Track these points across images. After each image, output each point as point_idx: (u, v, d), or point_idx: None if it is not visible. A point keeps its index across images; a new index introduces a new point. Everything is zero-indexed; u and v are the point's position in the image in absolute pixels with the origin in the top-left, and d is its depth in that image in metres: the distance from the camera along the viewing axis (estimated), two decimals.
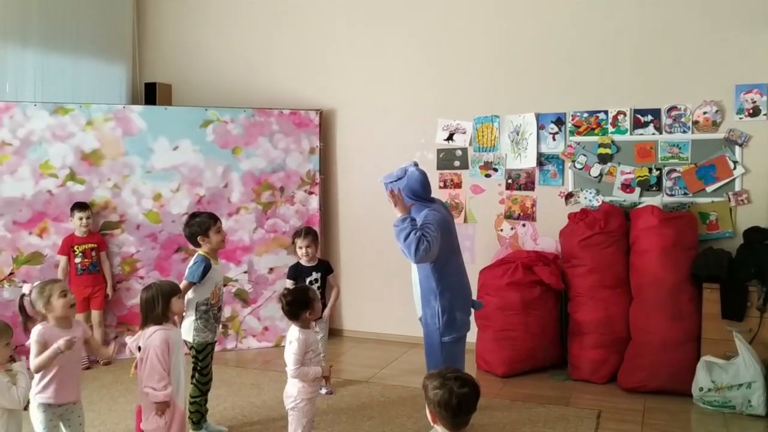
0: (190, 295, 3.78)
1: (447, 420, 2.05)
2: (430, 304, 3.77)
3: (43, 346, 2.97)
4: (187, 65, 6.60)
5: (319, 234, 5.96)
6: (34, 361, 2.96)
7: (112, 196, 5.43)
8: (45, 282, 3.15)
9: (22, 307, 3.08)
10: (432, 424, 2.11)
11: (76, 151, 5.34)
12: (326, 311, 4.64)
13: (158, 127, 5.53)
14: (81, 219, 5.17)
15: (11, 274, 5.19)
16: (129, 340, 3.23)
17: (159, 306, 3.14)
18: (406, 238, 3.53)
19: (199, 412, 3.88)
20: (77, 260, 5.22)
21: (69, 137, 5.32)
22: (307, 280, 4.65)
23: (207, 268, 3.79)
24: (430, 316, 3.79)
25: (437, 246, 3.57)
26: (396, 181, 3.82)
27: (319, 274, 4.70)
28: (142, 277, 5.47)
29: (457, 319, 3.80)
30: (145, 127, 5.50)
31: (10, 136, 5.17)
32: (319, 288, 4.62)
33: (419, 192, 3.83)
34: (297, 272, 4.69)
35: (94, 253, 5.25)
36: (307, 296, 3.34)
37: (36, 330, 3.01)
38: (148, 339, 3.10)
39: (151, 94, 6.31)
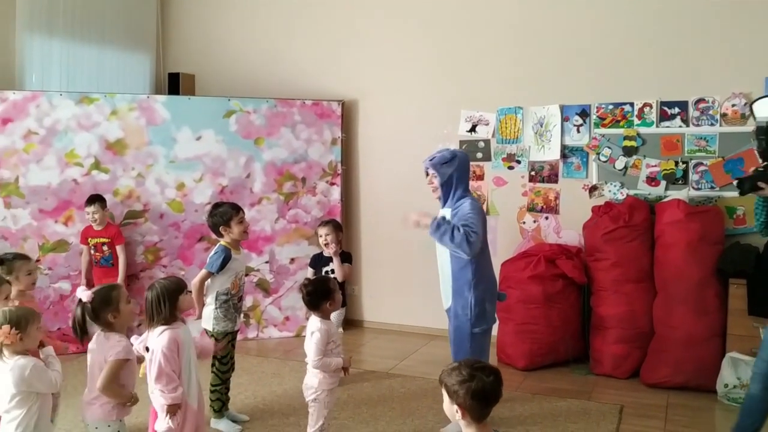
0: (209, 284, 3.81)
1: (477, 411, 2.02)
2: (464, 295, 3.74)
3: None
4: (210, 55, 6.62)
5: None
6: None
7: (135, 185, 5.47)
8: (108, 287, 2.99)
9: (82, 316, 2.87)
10: (456, 419, 2.07)
11: (100, 141, 5.38)
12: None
13: (182, 117, 5.56)
14: (89, 213, 5.16)
15: (37, 261, 5.26)
16: (135, 341, 3.09)
17: (165, 306, 2.99)
18: (452, 239, 3.57)
19: (220, 401, 3.91)
20: (92, 252, 5.27)
21: (94, 126, 5.37)
22: (324, 270, 4.67)
23: (227, 259, 3.80)
24: (461, 307, 3.76)
25: (483, 236, 3.62)
26: (446, 164, 3.74)
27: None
28: (165, 266, 5.52)
29: (487, 311, 3.80)
30: (169, 117, 5.53)
31: (37, 125, 5.23)
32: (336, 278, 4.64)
33: (466, 177, 3.83)
34: (316, 261, 4.75)
35: (105, 248, 5.22)
36: (328, 287, 3.34)
37: (121, 344, 2.86)
38: (156, 340, 2.97)
39: (175, 84, 6.35)
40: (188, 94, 6.23)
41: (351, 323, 6.20)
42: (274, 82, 6.31)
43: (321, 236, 4.73)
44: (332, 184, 5.98)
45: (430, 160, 3.78)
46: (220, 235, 3.92)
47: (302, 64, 6.29)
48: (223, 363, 3.91)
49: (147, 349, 3.02)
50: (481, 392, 2.01)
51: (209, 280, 3.83)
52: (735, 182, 3.45)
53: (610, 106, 5.20)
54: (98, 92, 5.54)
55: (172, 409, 2.97)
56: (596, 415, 4.12)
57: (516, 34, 5.51)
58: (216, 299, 3.82)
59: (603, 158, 5.22)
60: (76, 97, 5.36)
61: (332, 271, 4.68)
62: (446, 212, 3.77)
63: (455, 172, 3.75)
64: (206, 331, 3.84)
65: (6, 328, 2.64)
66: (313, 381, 3.28)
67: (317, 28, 6.25)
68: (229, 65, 6.54)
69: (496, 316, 3.97)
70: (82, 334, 2.88)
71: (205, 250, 5.34)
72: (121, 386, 2.88)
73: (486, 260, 3.83)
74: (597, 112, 5.25)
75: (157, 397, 2.96)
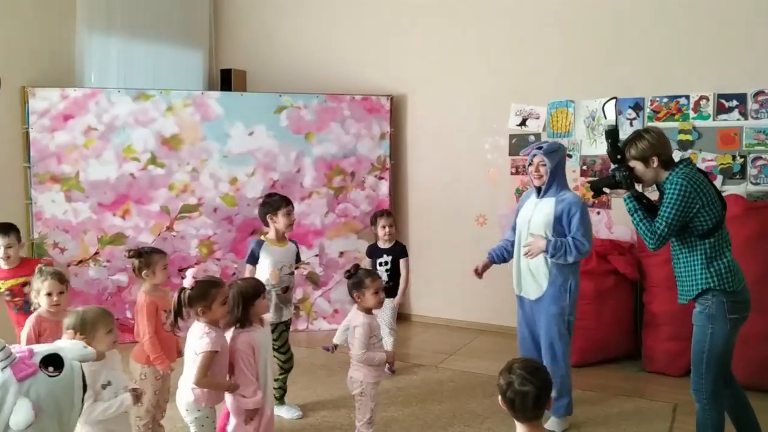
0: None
1: (515, 414, 2.08)
2: (563, 285, 3.71)
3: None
4: (261, 51, 6.72)
5: None
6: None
7: (190, 180, 5.60)
8: (210, 283, 2.98)
9: (179, 302, 2.90)
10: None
11: (156, 136, 5.53)
12: (397, 299, 4.71)
13: (234, 113, 5.67)
14: (1, 248, 3.96)
15: (96, 253, 5.45)
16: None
17: (238, 308, 2.95)
18: (577, 254, 3.63)
19: (282, 389, 4.06)
20: (7, 298, 3.97)
21: (150, 122, 5.52)
22: (378, 261, 4.71)
23: (254, 252, 3.92)
24: (559, 296, 3.72)
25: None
26: (554, 152, 3.69)
27: (390, 257, 4.75)
28: (218, 259, 5.65)
29: (576, 300, 3.84)
30: (222, 113, 5.65)
31: (96, 122, 5.40)
32: (387, 271, 4.68)
33: (564, 169, 3.84)
34: (372, 252, 4.84)
35: (27, 288, 3.74)
36: (362, 280, 3.29)
37: (209, 337, 2.84)
38: (232, 342, 2.92)
39: (227, 81, 6.46)
40: (240, 90, 6.34)
41: (399, 317, 6.19)
42: (323, 77, 6.37)
43: (384, 227, 4.76)
44: (381, 178, 6.01)
45: (538, 148, 3.72)
46: (267, 225, 4.01)
47: (351, 59, 6.33)
48: (282, 353, 4.01)
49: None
50: (512, 402, 2.07)
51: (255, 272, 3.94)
52: (589, 185, 3.54)
53: (665, 99, 5.10)
54: (154, 89, 5.69)
55: (251, 414, 2.90)
56: (649, 413, 4.07)
57: (567, 25, 5.44)
58: None
59: None
60: (133, 93, 5.51)
61: (385, 263, 4.73)
62: (548, 202, 3.72)
63: (561, 161, 3.76)
64: None
65: (71, 332, 2.59)
66: (357, 375, 3.29)
67: (366, 22, 6.28)
68: (279, 61, 6.63)
69: None
70: (176, 318, 2.91)
71: None
72: (215, 376, 2.87)
73: None
74: (651, 105, 5.15)
75: (237, 400, 2.87)
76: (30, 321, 3.16)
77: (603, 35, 5.31)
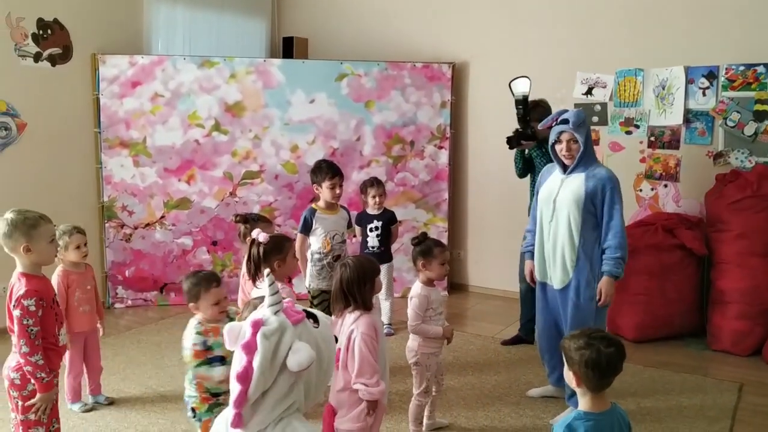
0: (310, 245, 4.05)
1: (592, 381, 1.99)
2: (590, 271, 3.40)
3: None
4: (323, 19, 6.70)
5: (448, 189, 6.00)
6: None
7: (252, 147, 5.68)
8: (283, 237, 3.11)
9: (258, 255, 2.96)
10: (574, 386, 2.06)
11: (220, 103, 5.61)
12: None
13: (296, 81, 5.69)
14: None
15: (162, 217, 5.61)
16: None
17: (365, 287, 2.64)
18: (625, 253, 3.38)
19: None
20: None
21: (214, 89, 5.60)
22: (368, 227, 4.76)
23: (307, 220, 3.99)
24: (586, 283, 3.40)
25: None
26: (581, 125, 3.36)
27: (380, 223, 4.78)
28: (279, 225, 5.72)
29: None
30: (284, 80, 5.68)
31: (162, 88, 5.51)
32: (378, 236, 4.75)
33: (592, 146, 3.52)
34: (361, 219, 4.81)
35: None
36: (430, 247, 3.23)
37: (284, 292, 2.71)
38: (353, 326, 2.61)
39: (289, 48, 6.48)
40: (301, 58, 6.36)
41: (456, 287, 6.23)
42: (385, 44, 6.32)
43: (374, 197, 4.77)
44: (440, 147, 5.96)
45: (563, 121, 3.34)
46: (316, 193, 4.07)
47: (413, 26, 6.26)
48: None
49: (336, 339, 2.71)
50: (595, 362, 1.97)
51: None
52: (506, 139, 4.29)
53: (741, 68, 4.86)
54: (218, 56, 5.76)
55: (373, 406, 2.57)
56: (713, 391, 3.96)
57: None
58: (311, 258, 4.03)
59: (731, 123, 4.90)
60: (198, 61, 5.59)
61: (375, 228, 4.76)
62: (577, 178, 3.39)
63: (588, 131, 3.43)
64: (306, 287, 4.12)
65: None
66: (413, 344, 3.27)
67: None
68: (340, 28, 6.60)
69: None
70: (255, 272, 2.97)
71: None
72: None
73: None
74: (726, 73, 4.91)
75: (361, 391, 2.55)
76: (57, 275, 3.41)
77: (676, 0, 5.07)
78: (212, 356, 2.66)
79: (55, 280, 3.36)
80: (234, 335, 1.59)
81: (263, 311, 1.61)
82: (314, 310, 1.72)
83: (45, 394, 2.53)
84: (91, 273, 3.66)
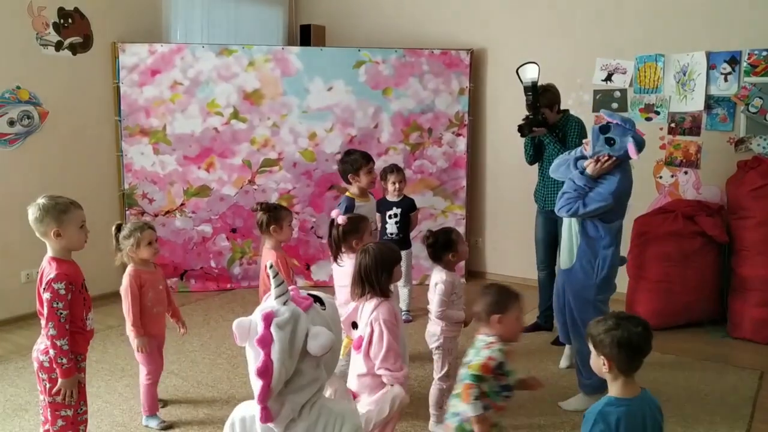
0: None
1: (624, 362, 1.98)
2: (592, 257, 3.38)
3: None
4: (340, 6, 6.69)
5: (466, 176, 5.99)
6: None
7: (271, 135, 5.70)
8: (359, 217, 3.37)
9: (338, 235, 3.28)
10: (602, 372, 2.03)
11: (239, 91, 5.63)
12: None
13: (313, 68, 5.70)
14: None
15: (182, 205, 5.66)
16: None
17: (383, 276, 2.65)
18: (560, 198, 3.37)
19: None
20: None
21: (233, 77, 5.62)
22: (387, 214, 4.77)
23: (349, 209, 3.93)
24: (585, 271, 3.40)
25: (592, 214, 3.32)
26: (621, 124, 3.35)
27: (399, 210, 4.79)
28: (297, 213, 5.76)
29: (611, 277, 3.46)
30: (302, 68, 5.69)
31: (181, 76, 5.54)
32: (397, 223, 4.76)
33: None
34: (381, 205, 4.77)
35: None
36: (450, 238, 3.27)
37: None
38: (373, 314, 2.62)
39: (306, 36, 6.49)
40: (319, 45, 6.36)
41: (474, 275, 6.23)
42: (402, 31, 6.30)
43: (394, 183, 4.77)
44: (458, 135, 5.95)
45: (610, 114, 3.40)
46: (348, 183, 4.04)
47: (431, 12, 6.23)
48: None
49: (354, 325, 2.72)
50: (627, 341, 1.97)
51: None
52: (517, 127, 4.22)
53: (764, 53, 4.79)
54: (236, 44, 5.77)
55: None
56: (734, 379, 3.95)
57: None
58: None
59: (753, 109, 4.85)
60: (216, 49, 5.61)
61: (395, 215, 4.77)
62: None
63: (629, 140, 3.32)
64: None
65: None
66: (435, 329, 3.30)
67: None
68: (358, 16, 6.59)
69: (615, 283, 3.60)
70: (337, 251, 3.29)
71: (335, 199, 5.51)
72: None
73: (620, 230, 3.47)
74: (749, 59, 4.85)
75: (385, 376, 2.56)
76: (128, 276, 3.26)
77: None
78: None
79: (126, 280, 3.25)
80: (244, 331, 1.59)
81: (271, 303, 1.61)
82: (318, 293, 1.74)
83: (67, 379, 2.55)
84: (161, 272, 3.47)
